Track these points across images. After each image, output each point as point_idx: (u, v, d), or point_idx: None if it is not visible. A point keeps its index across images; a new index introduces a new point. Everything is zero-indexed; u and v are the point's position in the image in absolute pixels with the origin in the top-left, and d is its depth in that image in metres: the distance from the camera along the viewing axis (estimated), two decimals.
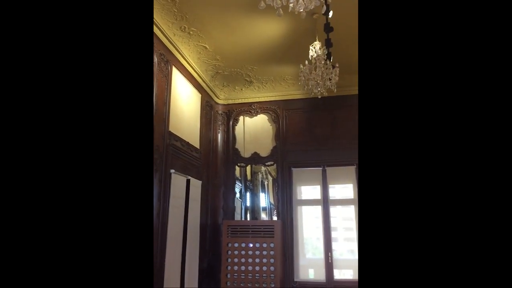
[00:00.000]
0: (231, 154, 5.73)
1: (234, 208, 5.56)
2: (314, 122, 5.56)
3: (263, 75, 5.24)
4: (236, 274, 4.56)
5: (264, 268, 4.51)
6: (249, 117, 5.85)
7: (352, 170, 5.39)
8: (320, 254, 5.24)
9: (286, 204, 5.37)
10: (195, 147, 4.91)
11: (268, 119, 5.78)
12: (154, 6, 3.63)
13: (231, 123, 5.85)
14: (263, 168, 5.78)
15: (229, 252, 4.65)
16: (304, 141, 5.52)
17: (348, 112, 5.47)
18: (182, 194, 4.38)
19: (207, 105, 5.49)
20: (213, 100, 5.74)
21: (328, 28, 3.39)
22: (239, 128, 5.84)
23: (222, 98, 5.89)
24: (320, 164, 5.46)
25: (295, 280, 5.12)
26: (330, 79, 3.52)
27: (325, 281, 5.06)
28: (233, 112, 5.89)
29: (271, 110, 5.76)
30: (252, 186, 5.88)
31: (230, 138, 5.79)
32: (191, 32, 4.13)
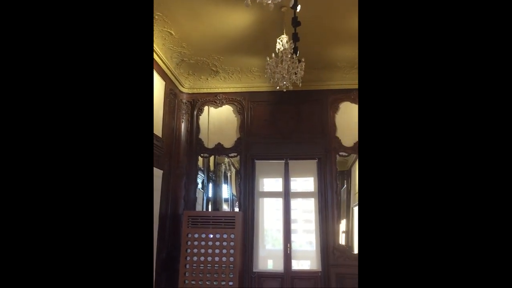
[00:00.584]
0: (195, 144, 5.65)
1: (195, 199, 5.51)
2: (278, 115, 5.60)
3: (230, 66, 5.18)
4: (195, 265, 4.54)
5: (224, 259, 4.51)
6: (214, 107, 5.79)
7: (313, 164, 5.50)
8: (280, 246, 5.33)
9: (248, 195, 5.39)
10: (156, 135, 4.79)
11: (233, 110, 5.74)
12: None
13: (195, 112, 5.75)
14: (226, 160, 5.76)
15: (189, 243, 4.61)
16: (268, 133, 5.55)
17: (313, 107, 5.56)
18: None
19: (171, 93, 5.35)
20: (178, 88, 5.61)
21: (295, 22, 3.40)
22: (203, 118, 5.76)
23: (187, 87, 5.77)
24: (283, 157, 5.53)
25: (254, 270, 5.17)
26: (296, 73, 3.55)
27: (282, 271, 5.16)
28: (197, 102, 5.79)
29: (237, 102, 5.73)
30: (214, 177, 5.84)
31: (194, 128, 5.70)
32: (156, 17, 3.99)
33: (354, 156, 5.44)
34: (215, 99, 5.77)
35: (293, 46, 3.53)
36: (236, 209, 5.43)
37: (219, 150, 5.63)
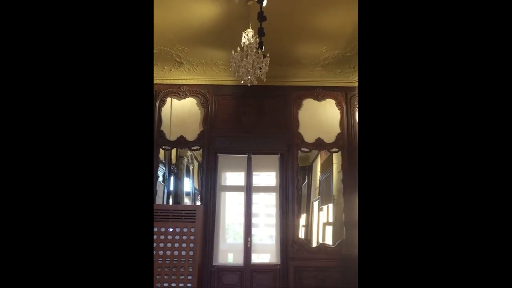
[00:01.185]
0: (156, 136, 5.51)
1: (155, 192, 5.39)
2: (242, 109, 5.59)
3: (194, 57, 5.09)
4: (153, 259, 4.45)
5: (183, 253, 4.47)
6: (177, 99, 5.67)
7: (276, 159, 5.56)
8: (241, 239, 5.35)
9: (210, 189, 5.36)
10: None
11: (196, 103, 5.66)
12: None
13: (157, 104, 5.61)
14: (189, 153, 5.68)
15: None
16: (231, 127, 5.53)
17: (277, 103, 5.60)
18: None
19: None
20: None
21: (261, 17, 3.40)
22: (165, 110, 5.63)
23: None
24: (246, 151, 5.54)
25: (214, 264, 5.17)
26: (260, 68, 3.55)
27: (242, 265, 5.20)
28: (160, 93, 5.65)
29: (201, 94, 5.65)
30: (176, 170, 5.75)
31: (155, 119, 5.56)
32: None
33: (316, 152, 5.56)
34: (179, 91, 5.66)
35: (259, 41, 3.52)
36: (198, 203, 5.38)
37: (181, 143, 5.54)
